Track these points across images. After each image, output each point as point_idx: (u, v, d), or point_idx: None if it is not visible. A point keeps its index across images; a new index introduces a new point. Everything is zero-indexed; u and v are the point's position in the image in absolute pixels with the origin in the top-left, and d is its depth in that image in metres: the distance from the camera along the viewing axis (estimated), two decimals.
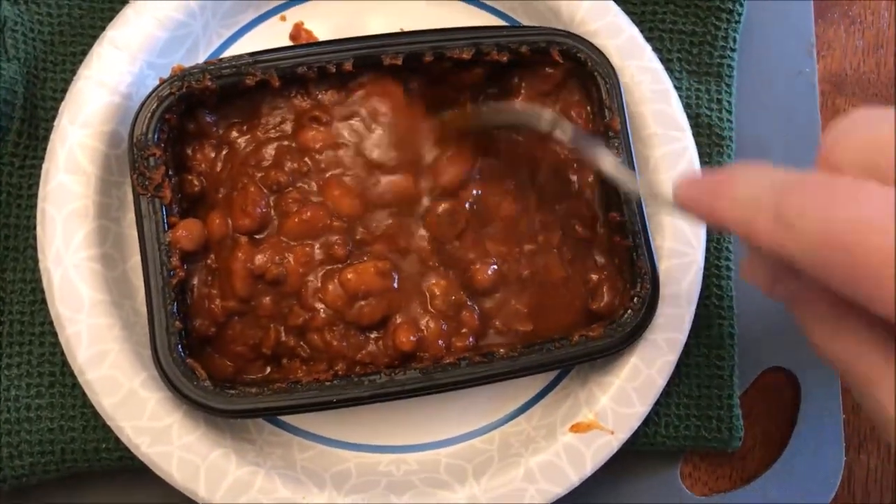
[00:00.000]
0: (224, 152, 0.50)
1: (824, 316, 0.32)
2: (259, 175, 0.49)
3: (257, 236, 0.49)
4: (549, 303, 0.50)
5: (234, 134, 0.50)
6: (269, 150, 0.50)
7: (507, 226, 0.51)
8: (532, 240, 0.51)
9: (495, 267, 0.50)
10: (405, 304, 0.49)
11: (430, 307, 0.49)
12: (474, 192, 0.51)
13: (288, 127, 0.50)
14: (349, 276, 0.48)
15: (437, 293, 0.49)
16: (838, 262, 0.28)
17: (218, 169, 0.50)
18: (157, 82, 0.48)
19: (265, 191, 0.49)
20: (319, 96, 0.50)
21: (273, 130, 0.50)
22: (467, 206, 0.50)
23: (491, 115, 0.51)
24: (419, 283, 0.49)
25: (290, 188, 0.49)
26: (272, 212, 0.49)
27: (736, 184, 0.33)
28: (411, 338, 0.48)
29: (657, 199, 0.42)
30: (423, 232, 0.50)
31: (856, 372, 0.31)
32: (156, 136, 0.47)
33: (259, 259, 0.48)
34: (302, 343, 0.48)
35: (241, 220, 0.48)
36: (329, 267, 0.49)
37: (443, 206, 0.50)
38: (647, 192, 0.44)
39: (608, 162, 0.44)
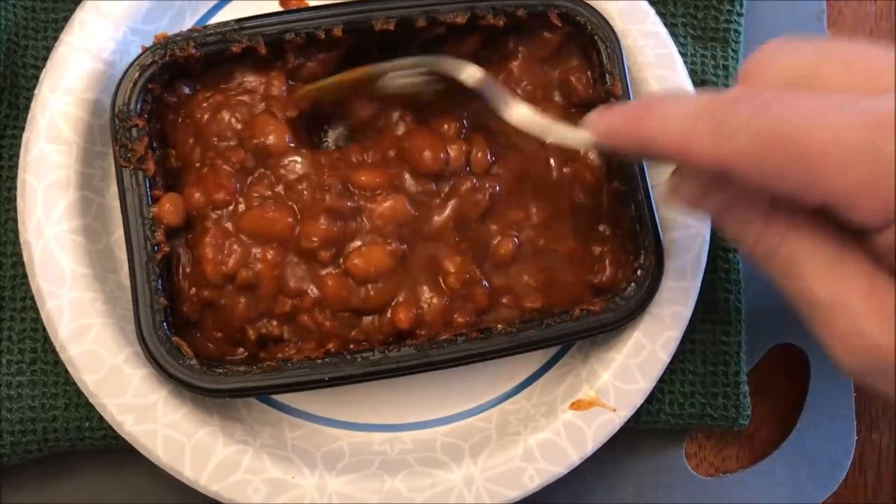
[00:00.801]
0: (191, 127, 0.48)
1: (753, 218, 0.34)
2: (225, 153, 0.47)
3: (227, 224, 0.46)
4: (559, 277, 0.48)
5: (200, 108, 0.48)
6: (233, 123, 0.47)
7: (520, 191, 0.49)
8: (544, 207, 0.49)
9: (517, 240, 0.48)
10: (412, 284, 0.47)
11: (442, 285, 0.47)
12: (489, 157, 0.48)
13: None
14: (356, 261, 0.46)
15: (452, 270, 0.47)
16: (781, 159, 0.31)
17: (190, 143, 0.47)
18: (140, 50, 0.46)
19: (231, 170, 0.47)
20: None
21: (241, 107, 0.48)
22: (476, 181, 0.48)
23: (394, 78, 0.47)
24: (431, 261, 0.47)
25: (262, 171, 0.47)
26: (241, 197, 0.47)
27: (664, 107, 0.34)
28: (409, 314, 0.46)
29: (574, 140, 0.41)
30: (442, 211, 0.48)
31: (783, 261, 0.34)
32: (138, 107, 0.45)
33: (230, 262, 0.45)
34: (287, 327, 0.46)
35: (216, 194, 0.46)
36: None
37: (466, 185, 0.48)
38: (563, 136, 0.42)
39: (520, 111, 0.42)
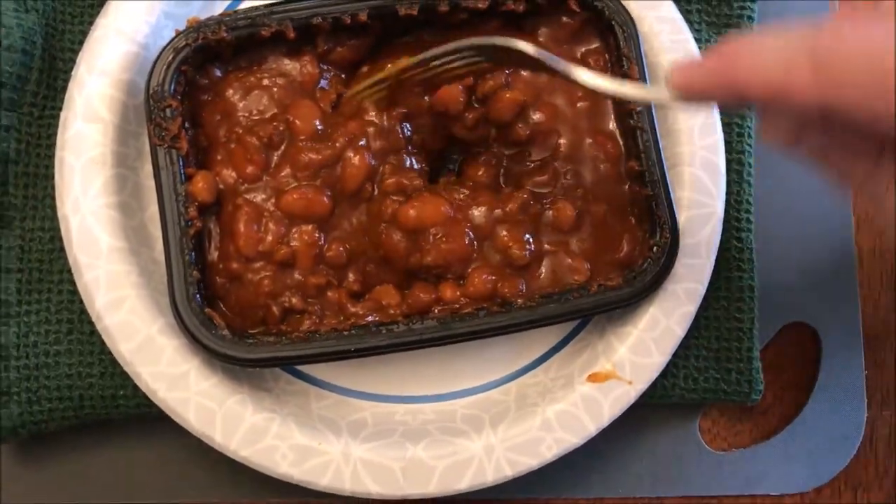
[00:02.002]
0: (220, 105, 0.49)
1: (862, 159, 0.33)
2: (253, 128, 0.48)
3: (266, 203, 0.48)
4: (602, 246, 0.50)
5: (231, 89, 0.49)
6: (264, 103, 0.49)
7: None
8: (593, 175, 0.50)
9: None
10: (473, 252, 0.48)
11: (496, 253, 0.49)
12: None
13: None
14: (410, 212, 0.47)
15: (507, 238, 0.48)
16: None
17: (217, 120, 0.49)
18: (174, 34, 0.48)
19: (259, 144, 0.48)
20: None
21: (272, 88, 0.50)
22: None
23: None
24: (488, 230, 0.49)
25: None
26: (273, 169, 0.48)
27: (754, 48, 0.31)
28: (484, 279, 0.47)
29: (655, 96, 0.40)
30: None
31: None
32: (172, 88, 0.47)
33: (268, 238, 0.47)
34: (313, 301, 0.48)
35: (245, 168, 0.48)
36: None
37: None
38: (641, 94, 0.42)
39: (584, 75, 0.42)
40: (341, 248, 0.48)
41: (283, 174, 0.48)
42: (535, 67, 0.45)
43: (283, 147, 0.48)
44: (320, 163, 0.48)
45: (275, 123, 0.48)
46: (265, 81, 0.49)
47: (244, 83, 0.49)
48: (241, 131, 0.48)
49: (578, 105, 0.51)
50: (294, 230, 0.48)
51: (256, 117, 0.49)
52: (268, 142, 0.48)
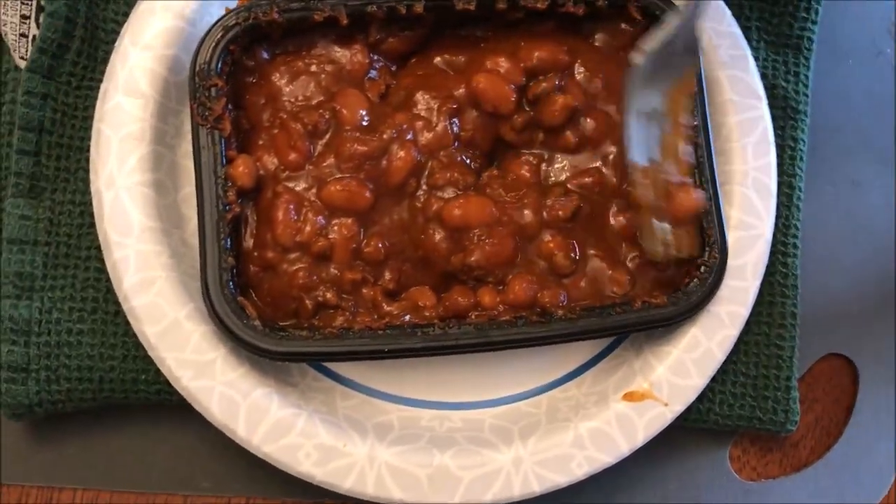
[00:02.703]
0: (265, 88, 0.48)
1: None
2: (298, 114, 0.47)
3: (307, 192, 0.46)
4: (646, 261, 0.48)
5: (277, 73, 0.48)
6: (311, 89, 0.48)
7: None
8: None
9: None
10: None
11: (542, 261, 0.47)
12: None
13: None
14: (455, 211, 0.46)
15: (552, 244, 0.47)
16: None
17: (261, 104, 0.48)
18: (224, 11, 0.46)
19: (303, 131, 0.47)
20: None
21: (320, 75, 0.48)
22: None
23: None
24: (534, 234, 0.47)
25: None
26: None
27: None
28: (525, 286, 0.46)
29: None
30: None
31: None
32: (218, 67, 0.46)
33: (306, 229, 0.46)
34: (348, 297, 0.46)
35: (288, 155, 0.46)
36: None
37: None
38: None
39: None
40: (380, 245, 0.46)
41: (326, 164, 0.46)
42: None
43: (327, 136, 0.47)
44: (365, 154, 0.46)
45: (321, 111, 0.47)
46: (313, 67, 0.48)
47: (291, 67, 0.48)
48: (285, 116, 0.47)
49: None
50: (334, 222, 0.46)
51: (302, 103, 0.47)
52: (312, 129, 0.47)
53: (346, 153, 0.46)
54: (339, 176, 0.46)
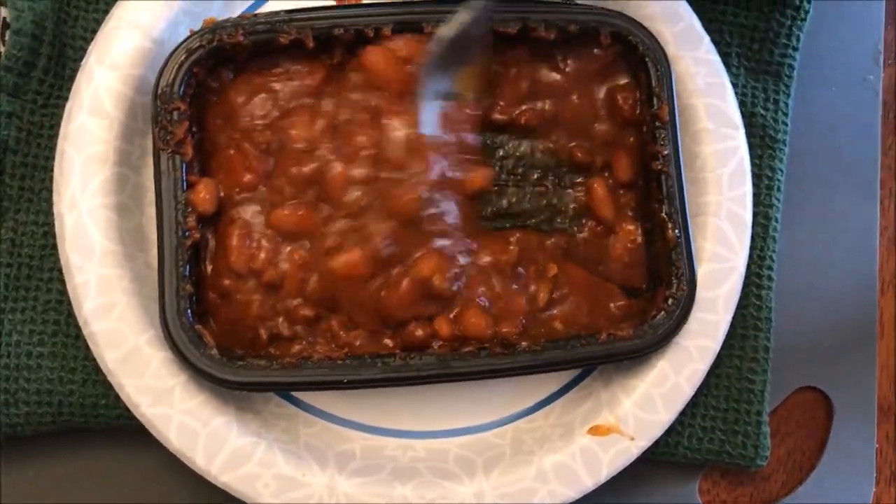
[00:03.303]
0: (222, 109, 0.47)
1: None
2: (251, 134, 0.46)
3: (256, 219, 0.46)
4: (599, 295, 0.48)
5: (234, 93, 0.47)
6: (267, 108, 0.47)
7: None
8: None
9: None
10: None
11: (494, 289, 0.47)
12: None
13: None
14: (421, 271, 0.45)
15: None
16: None
17: (218, 124, 0.47)
18: (188, 33, 0.46)
19: (257, 152, 0.46)
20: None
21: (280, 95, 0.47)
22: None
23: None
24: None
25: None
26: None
27: None
28: (482, 319, 0.46)
29: None
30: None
31: None
32: (181, 90, 0.45)
33: (260, 256, 0.45)
34: (302, 328, 0.46)
35: (242, 176, 0.46)
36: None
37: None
38: None
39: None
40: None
41: (277, 185, 0.46)
42: None
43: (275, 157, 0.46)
44: (307, 176, 0.46)
45: (271, 131, 0.46)
46: (271, 86, 0.47)
47: (249, 86, 0.47)
48: (238, 136, 0.46)
49: None
50: (286, 249, 0.45)
51: (259, 122, 0.47)
52: (265, 149, 0.46)
53: (292, 175, 0.46)
54: (290, 202, 0.46)
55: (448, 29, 0.44)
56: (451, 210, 0.46)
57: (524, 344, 0.45)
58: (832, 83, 0.54)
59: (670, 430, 0.48)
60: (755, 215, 0.50)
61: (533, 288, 0.47)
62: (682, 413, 0.48)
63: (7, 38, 0.47)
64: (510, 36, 0.48)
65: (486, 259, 0.47)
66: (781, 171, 0.51)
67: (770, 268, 0.50)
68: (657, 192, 0.47)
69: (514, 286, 0.47)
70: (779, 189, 0.51)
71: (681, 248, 0.46)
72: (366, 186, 0.46)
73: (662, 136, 0.47)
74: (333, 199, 0.46)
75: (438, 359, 0.45)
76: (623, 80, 0.49)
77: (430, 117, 0.46)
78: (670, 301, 0.46)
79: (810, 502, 0.51)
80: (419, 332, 0.45)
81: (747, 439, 0.49)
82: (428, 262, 0.45)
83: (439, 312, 0.46)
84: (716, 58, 0.49)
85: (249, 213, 0.46)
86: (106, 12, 0.48)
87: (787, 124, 0.52)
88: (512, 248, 0.48)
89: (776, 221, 0.51)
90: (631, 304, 0.48)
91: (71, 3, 0.49)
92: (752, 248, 0.49)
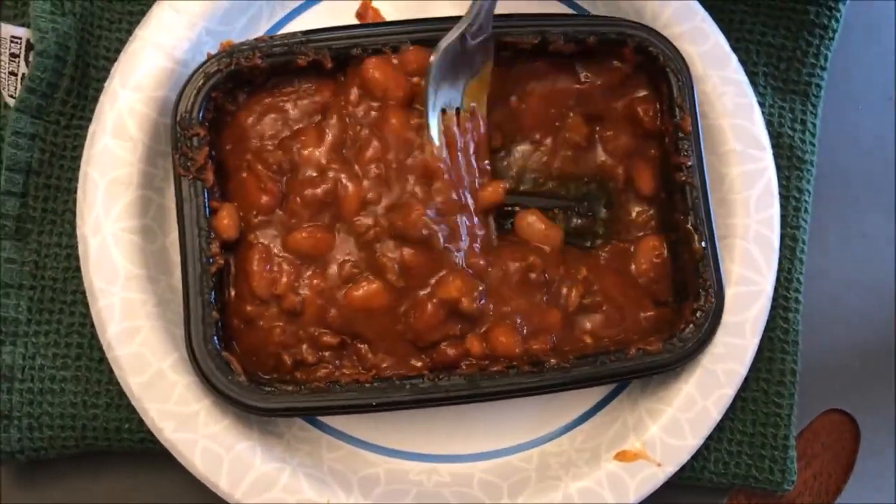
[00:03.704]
0: (234, 132, 0.47)
1: None
2: (262, 154, 0.46)
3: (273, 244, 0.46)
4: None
5: (249, 111, 0.47)
6: (277, 128, 0.47)
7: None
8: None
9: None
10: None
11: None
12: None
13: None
14: (448, 292, 0.45)
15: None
16: None
17: (228, 149, 0.47)
18: (206, 56, 0.45)
19: (270, 173, 0.46)
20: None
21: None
22: None
23: None
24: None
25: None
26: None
27: None
28: (511, 339, 0.45)
29: None
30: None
31: None
32: (200, 115, 0.45)
33: (282, 280, 0.45)
34: (329, 353, 0.46)
35: (259, 198, 0.45)
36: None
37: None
38: None
39: None
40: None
41: (293, 207, 0.46)
42: None
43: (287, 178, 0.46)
44: (321, 198, 0.46)
45: (282, 152, 0.46)
46: (280, 105, 0.47)
47: (261, 106, 0.47)
48: (251, 158, 0.46)
49: None
50: (307, 274, 0.45)
51: (269, 142, 0.46)
52: (277, 169, 0.46)
53: (306, 197, 0.45)
54: (304, 224, 0.45)
55: (448, 38, 0.44)
56: (464, 225, 0.46)
57: (553, 361, 0.45)
58: (858, 102, 0.54)
59: (697, 455, 0.47)
60: (782, 237, 0.49)
61: (564, 291, 0.47)
62: (709, 437, 0.47)
63: (31, 59, 0.46)
64: (527, 50, 0.47)
65: (511, 266, 0.47)
66: (809, 192, 0.51)
67: (798, 290, 0.50)
68: (681, 203, 0.47)
69: (545, 297, 0.47)
70: (806, 210, 0.50)
71: (707, 260, 0.46)
72: (376, 207, 0.45)
73: (685, 146, 0.47)
74: (348, 221, 0.46)
75: (467, 379, 0.44)
76: (643, 92, 0.49)
77: (436, 130, 0.46)
78: (698, 314, 0.46)
79: None
80: (451, 352, 0.45)
81: (774, 464, 0.49)
82: (453, 282, 0.45)
83: (468, 330, 0.45)
84: (743, 77, 0.49)
85: (268, 237, 0.46)
86: (129, 32, 0.48)
87: (814, 144, 0.51)
88: (533, 258, 0.47)
89: (803, 243, 0.50)
90: (660, 313, 0.47)
91: (94, 23, 0.49)
92: (779, 270, 0.49)
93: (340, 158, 0.46)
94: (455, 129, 0.46)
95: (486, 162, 0.47)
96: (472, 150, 0.47)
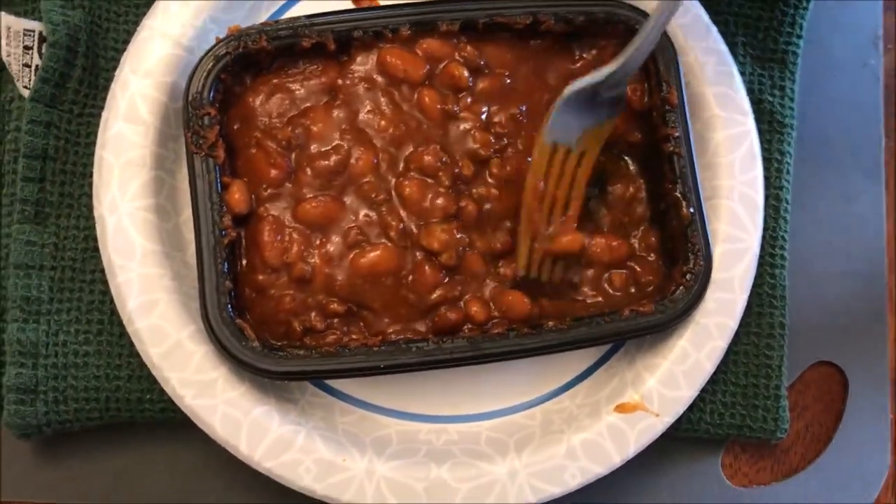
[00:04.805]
0: (240, 109, 0.49)
1: None
2: (271, 131, 0.48)
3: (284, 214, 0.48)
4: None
5: (255, 91, 0.49)
6: (284, 106, 0.49)
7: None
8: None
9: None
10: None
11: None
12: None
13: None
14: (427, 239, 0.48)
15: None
16: None
17: (235, 128, 0.49)
18: (214, 41, 0.48)
19: (279, 147, 0.48)
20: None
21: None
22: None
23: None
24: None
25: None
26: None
27: None
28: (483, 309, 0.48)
29: None
30: None
31: None
32: (211, 96, 0.47)
33: (293, 249, 0.47)
34: (338, 320, 0.48)
35: (269, 172, 0.48)
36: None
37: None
38: None
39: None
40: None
41: (303, 180, 0.48)
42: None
43: (298, 152, 0.48)
44: (331, 168, 0.48)
45: (291, 128, 0.48)
46: (287, 86, 0.49)
47: (266, 87, 0.49)
48: (259, 135, 0.48)
49: None
50: (316, 243, 0.47)
51: (276, 120, 0.49)
52: (286, 145, 0.48)
53: (318, 168, 0.48)
54: (313, 194, 0.48)
55: (585, 80, 0.46)
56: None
57: (551, 323, 0.47)
58: (835, 68, 0.56)
59: (693, 407, 0.50)
60: (766, 197, 0.52)
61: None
62: (704, 389, 0.49)
63: (44, 51, 0.49)
64: (521, 31, 0.50)
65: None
66: (790, 154, 0.53)
67: (783, 247, 0.52)
68: (670, 173, 0.49)
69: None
70: (788, 171, 0.53)
71: (696, 225, 0.48)
72: (381, 172, 0.48)
73: (672, 119, 0.49)
74: (356, 188, 0.48)
75: (469, 341, 0.46)
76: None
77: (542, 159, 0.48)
78: (688, 276, 0.48)
79: (830, 474, 0.53)
80: (451, 315, 0.47)
81: (767, 413, 0.51)
82: (435, 235, 0.47)
83: (467, 292, 0.48)
84: (723, 47, 0.51)
85: (278, 209, 0.48)
86: (136, 23, 0.50)
87: (793, 109, 0.54)
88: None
89: (787, 203, 0.53)
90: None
91: (102, 16, 0.51)
92: (764, 228, 0.51)
93: (350, 131, 0.48)
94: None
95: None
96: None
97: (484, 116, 0.50)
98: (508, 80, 0.50)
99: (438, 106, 0.49)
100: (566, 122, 0.47)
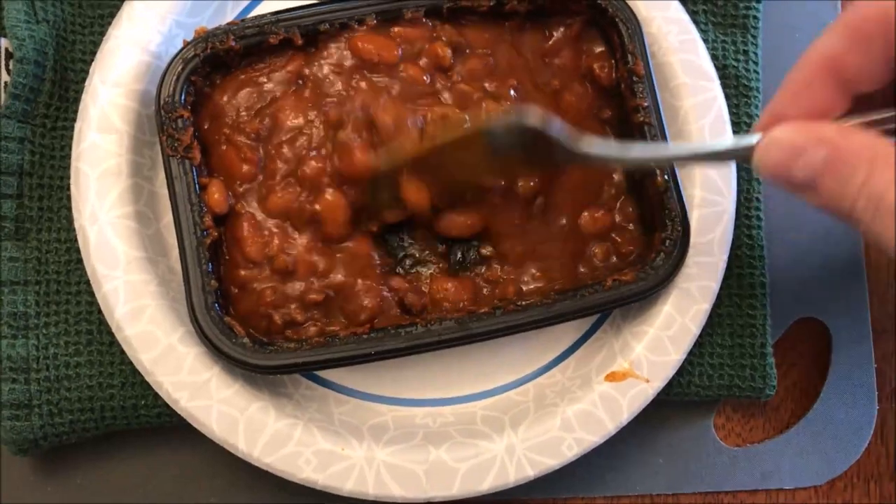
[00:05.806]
0: (209, 108, 0.49)
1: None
2: (240, 125, 0.49)
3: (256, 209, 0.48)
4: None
5: (222, 90, 0.49)
6: (252, 100, 0.49)
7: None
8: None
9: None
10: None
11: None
12: None
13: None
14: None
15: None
16: None
17: (206, 127, 0.49)
18: (182, 44, 0.48)
19: (249, 141, 0.48)
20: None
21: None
22: None
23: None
24: None
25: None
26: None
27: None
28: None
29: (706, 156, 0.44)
30: None
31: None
32: (182, 98, 0.47)
33: (273, 242, 0.48)
34: (316, 311, 0.48)
35: (240, 168, 0.48)
36: None
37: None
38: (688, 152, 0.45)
39: (634, 151, 0.45)
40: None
41: (274, 170, 0.48)
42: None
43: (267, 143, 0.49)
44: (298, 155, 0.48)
45: (259, 119, 0.48)
46: (254, 80, 0.49)
47: (234, 83, 0.49)
48: (228, 132, 0.48)
49: None
50: (294, 235, 0.48)
51: (244, 115, 0.49)
52: (255, 137, 0.48)
53: (284, 156, 0.48)
54: (282, 185, 0.48)
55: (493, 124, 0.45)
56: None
57: (535, 300, 0.48)
58: (796, 29, 0.57)
59: (681, 371, 0.51)
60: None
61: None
62: (691, 353, 0.50)
63: (12, 67, 0.49)
64: (484, 14, 0.50)
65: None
66: (758, 116, 0.54)
67: (758, 209, 0.53)
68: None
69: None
70: None
71: (671, 192, 0.49)
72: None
73: (640, 89, 0.50)
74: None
75: (458, 322, 0.47)
76: (597, 49, 0.52)
77: None
78: (667, 242, 0.49)
79: (820, 426, 0.54)
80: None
81: (755, 371, 0.52)
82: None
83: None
84: (685, 16, 0.52)
85: (253, 204, 0.48)
86: (101, 34, 0.50)
87: (758, 73, 0.54)
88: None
89: None
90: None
91: (68, 28, 0.51)
92: (738, 191, 0.52)
93: (318, 118, 0.48)
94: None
95: None
96: None
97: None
98: (491, 59, 0.51)
99: (425, 78, 0.49)
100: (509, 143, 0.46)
